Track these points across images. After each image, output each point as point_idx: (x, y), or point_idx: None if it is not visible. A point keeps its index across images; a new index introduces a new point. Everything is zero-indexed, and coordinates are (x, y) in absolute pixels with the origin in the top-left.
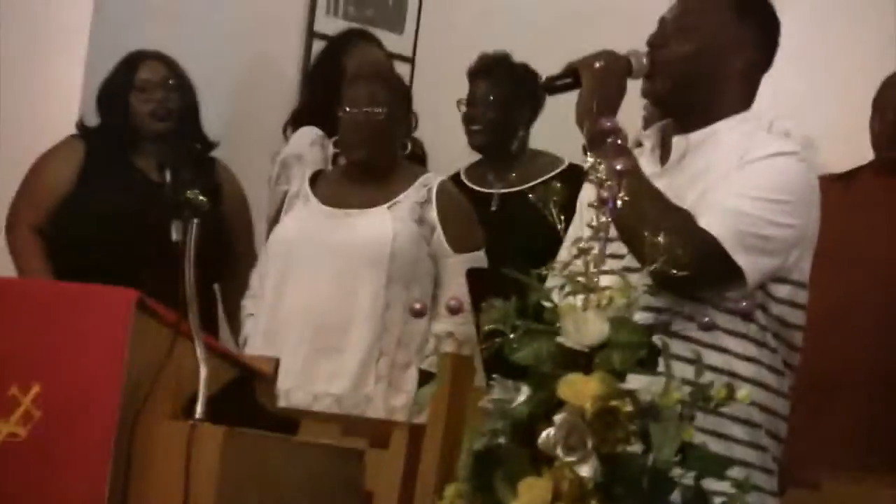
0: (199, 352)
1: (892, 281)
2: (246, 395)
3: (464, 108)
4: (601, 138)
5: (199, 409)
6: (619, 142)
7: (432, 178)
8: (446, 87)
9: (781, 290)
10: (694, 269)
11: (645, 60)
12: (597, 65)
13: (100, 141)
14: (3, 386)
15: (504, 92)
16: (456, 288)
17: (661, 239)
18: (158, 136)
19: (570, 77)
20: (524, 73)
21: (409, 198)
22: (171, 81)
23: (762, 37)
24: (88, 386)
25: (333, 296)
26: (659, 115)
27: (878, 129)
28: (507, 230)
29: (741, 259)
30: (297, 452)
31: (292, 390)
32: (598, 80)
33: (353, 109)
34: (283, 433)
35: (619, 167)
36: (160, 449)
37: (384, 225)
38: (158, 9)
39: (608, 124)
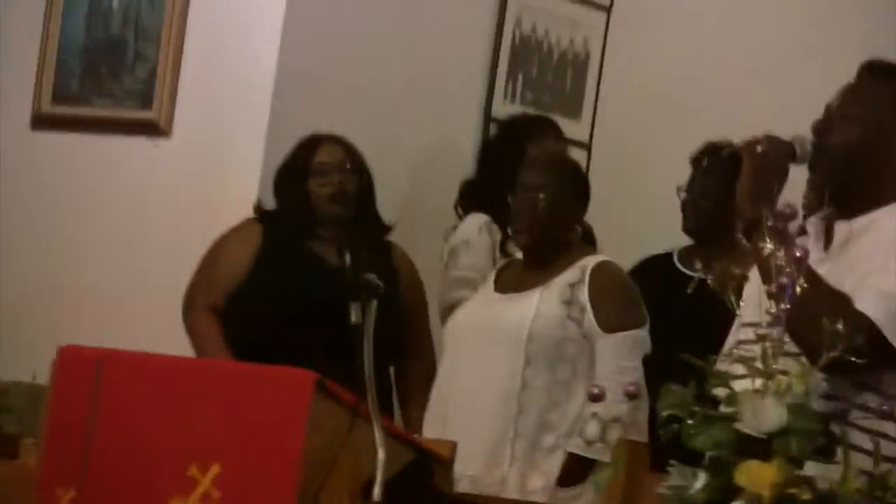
0: (378, 434)
1: None
2: (423, 478)
3: (683, 195)
4: (760, 223)
5: (376, 492)
6: (780, 227)
7: (590, 260)
8: (622, 173)
9: None
10: (856, 353)
11: (809, 146)
12: (758, 149)
13: (277, 224)
14: (182, 466)
15: (723, 180)
16: (603, 369)
17: (839, 327)
18: (336, 220)
19: (732, 161)
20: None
21: (562, 279)
22: (348, 165)
23: None
24: (268, 467)
25: (474, 378)
26: (820, 200)
27: None
28: (696, 314)
29: None
30: None
31: None
32: (758, 164)
33: (523, 194)
34: None
35: (797, 254)
36: None
37: (527, 307)
38: (337, 91)
39: (787, 210)
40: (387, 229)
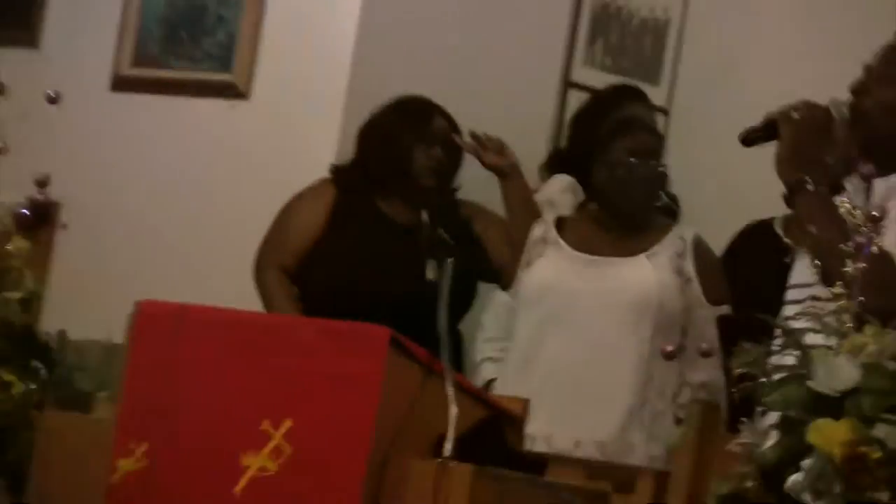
0: (450, 391)
1: None
2: (495, 435)
3: None
4: (799, 188)
5: (448, 447)
6: (818, 190)
7: (686, 231)
8: (701, 140)
9: None
10: None
11: (845, 109)
12: (795, 115)
13: (351, 184)
14: (255, 420)
15: None
16: (707, 336)
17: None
18: (423, 188)
19: (769, 128)
20: None
21: (666, 249)
22: (453, 140)
23: None
24: (341, 422)
25: (600, 344)
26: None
27: None
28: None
29: None
30: (544, 493)
31: (554, 436)
32: (796, 131)
33: (636, 160)
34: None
35: (875, 213)
36: (409, 487)
37: (648, 274)
38: (416, 55)
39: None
40: (454, 190)
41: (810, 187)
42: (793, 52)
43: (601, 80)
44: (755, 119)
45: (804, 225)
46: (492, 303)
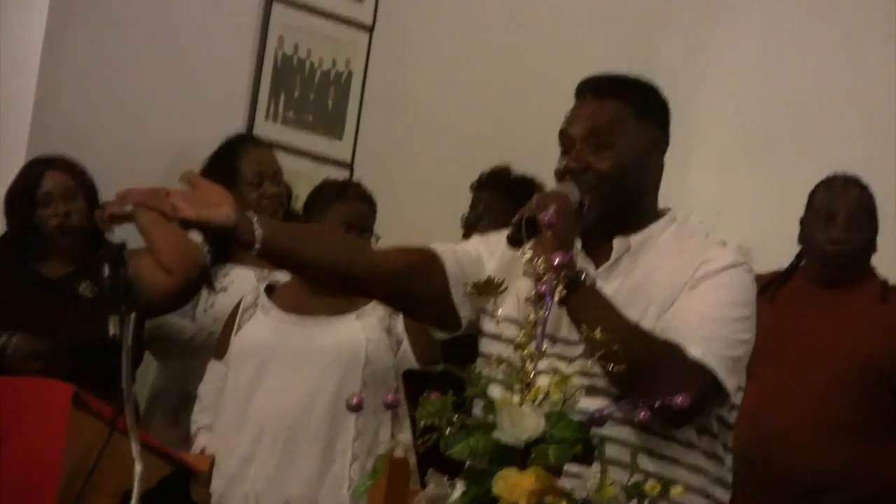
0: (135, 447)
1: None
2: (180, 491)
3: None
4: (576, 285)
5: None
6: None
7: None
8: (383, 193)
9: (737, 398)
10: (695, 400)
11: (576, 190)
12: (552, 209)
13: (5, 247)
14: None
15: (504, 205)
16: None
17: (598, 335)
18: (66, 249)
19: (532, 226)
20: (525, 185)
21: (376, 308)
22: (74, 192)
23: (662, 131)
24: (24, 478)
25: (309, 400)
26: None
27: (821, 238)
28: None
29: (728, 382)
30: None
31: (263, 494)
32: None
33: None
34: None
35: (556, 261)
36: None
37: (356, 332)
38: (95, 108)
39: (563, 259)
40: (122, 246)
41: (587, 282)
42: (470, 104)
43: (284, 134)
44: (439, 169)
45: (587, 322)
46: (208, 373)
